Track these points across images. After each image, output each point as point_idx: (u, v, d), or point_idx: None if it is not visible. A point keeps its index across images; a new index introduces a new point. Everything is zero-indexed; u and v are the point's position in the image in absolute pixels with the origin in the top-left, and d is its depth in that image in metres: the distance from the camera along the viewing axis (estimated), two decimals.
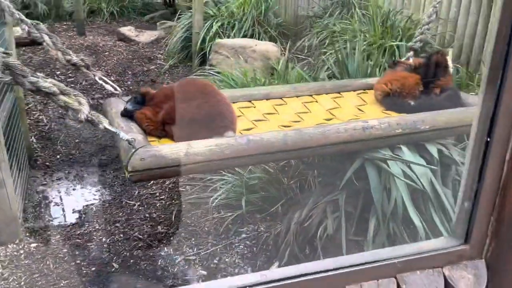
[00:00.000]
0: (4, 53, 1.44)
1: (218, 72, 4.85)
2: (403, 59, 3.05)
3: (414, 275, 1.08)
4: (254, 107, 2.49)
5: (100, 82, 2.23)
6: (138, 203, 3.61)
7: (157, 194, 3.69)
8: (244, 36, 5.77)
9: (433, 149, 2.20)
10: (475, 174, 1.07)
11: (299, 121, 2.38)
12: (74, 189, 3.89)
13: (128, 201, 3.67)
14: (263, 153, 1.86)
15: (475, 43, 4.36)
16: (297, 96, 2.66)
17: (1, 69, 1.44)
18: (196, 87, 1.94)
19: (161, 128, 1.93)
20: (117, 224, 3.34)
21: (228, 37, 5.74)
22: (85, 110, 1.50)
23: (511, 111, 0.99)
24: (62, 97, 1.47)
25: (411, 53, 3.03)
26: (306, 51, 5.94)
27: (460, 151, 2.27)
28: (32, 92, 1.46)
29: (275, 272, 1.02)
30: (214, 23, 5.82)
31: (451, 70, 2.64)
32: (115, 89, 2.28)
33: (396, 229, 2.12)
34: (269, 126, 2.25)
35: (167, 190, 3.71)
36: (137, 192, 3.81)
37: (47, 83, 1.44)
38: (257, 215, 3.11)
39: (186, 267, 2.80)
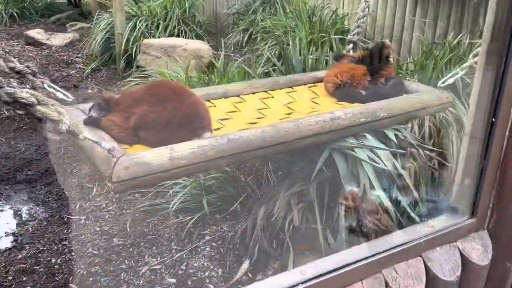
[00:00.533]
0: None
1: (146, 73, 4.70)
2: (344, 52, 3.20)
3: (435, 252, 1.16)
4: (215, 106, 2.45)
5: (50, 89, 2.04)
6: (84, 217, 3.38)
7: (104, 205, 3.48)
8: (170, 35, 5.64)
9: (390, 134, 2.35)
10: (479, 152, 1.17)
11: (262, 118, 2.39)
12: (1, 210, 3.54)
13: (71, 216, 3.42)
14: (244, 151, 1.84)
15: (393, 33, 4.70)
16: (253, 93, 2.67)
17: None
18: (168, 88, 1.86)
19: (133, 134, 1.82)
20: (64, 242, 3.10)
21: (153, 37, 5.57)
22: (66, 120, 1.37)
23: (511, 93, 1.10)
24: (40, 107, 1.33)
25: (351, 45, 3.19)
26: (233, 48, 5.97)
27: (412, 135, 2.45)
28: (7, 104, 1.31)
29: (314, 267, 1.03)
30: (137, 23, 5.60)
31: (391, 60, 2.83)
32: (67, 97, 2.10)
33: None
34: (236, 124, 2.24)
35: (114, 200, 3.52)
36: (78, 205, 3.57)
37: (25, 93, 1.29)
38: (217, 215, 3.07)
39: (153, 277, 2.69)
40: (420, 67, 3.52)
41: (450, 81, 2.48)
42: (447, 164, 2.89)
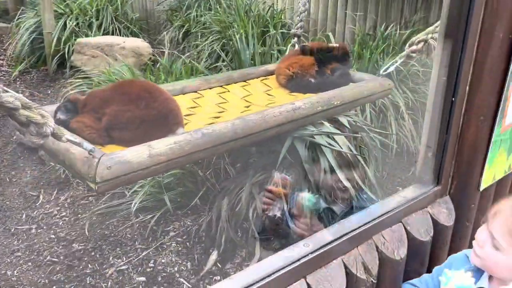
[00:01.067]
0: None
1: (83, 74, 4.54)
2: (290, 44, 3.35)
3: (412, 217, 1.33)
4: None
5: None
6: (35, 226, 3.24)
7: (55, 212, 3.36)
8: (105, 33, 5.48)
9: (343, 120, 2.54)
10: (439, 128, 1.35)
11: (223, 111, 2.47)
12: None
13: (19, 227, 3.27)
14: (217, 144, 1.91)
15: (327, 28, 4.96)
16: (210, 88, 2.73)
17: None
18: (139, 87, 1.87)
19: (105, 134, 1.81)
20: (18, 253, 2.97)
21: (86, 35, 5.37)
22: (50, 123, 1.35)
23: (467, 74, 1.28)
24: (23, 111, 1.31)
25: (296, 39, 3.34)
26: (169, 45, 5.92)
27: (363, 120, 2.66)
28: None
29: (315, 240, 1.14)
30: (67, 22, 5.37)
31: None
32: None
33: (327, 194, 2.40)
34: (200, 119, 2.29)
35: (66, 206, 3.41)
36: (25, 215, 3.41)
37: (10, 97, 1.26)
38: (178, 211, 3.10)
39: (121, 277, 2.67)
40: (358, 57, 3.78)
41: (391, 69, 2.72)
42: (390, 143, 3.16)
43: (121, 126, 1.79)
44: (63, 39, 5.20)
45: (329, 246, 1.12)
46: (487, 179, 1.44)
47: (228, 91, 2.76)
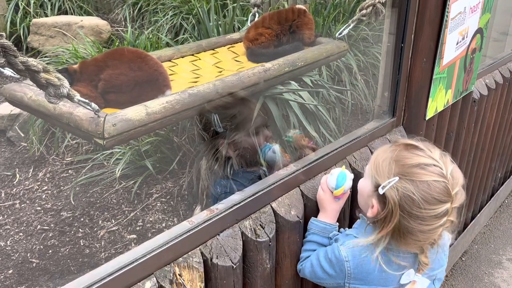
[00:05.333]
0: None
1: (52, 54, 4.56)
2: (251, 14, 3.58)
3: (375, 142, 1.65)
4: None
5: None
6: (18, 201, 3.36)
7: (36, 187, 3.48)
8: (59, 13, 5.45)
9: (307, 80, 2.84)
10: (392, 70, 1.67)
11: (198, 77, 2.70)
12: None
13: (1, 204, 3.37)
14: (202, 103, 2.15)
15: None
16: (182, 57, 2.94)
17: None
18: (131, 52, 2.05)
19: (101, 100, 2.00)
20: (7, 227, 3.10)
21: (40, 16, 5.33)
22: (66, 84, 1.54)
23: (412, 24, 1.60)
24: (43, 74, 1.49)
25: (256, 9, 3.57)
26: (124, 22, 5.97)
27: (322, 80, 2.98)
28: (19, 72, 1.44)
29: (307, 158, 1.44)
30: (19, 3, 5.29)
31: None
32: (15, 74, 2.18)
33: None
34: (180, 84, 2.51)
35: (46, 180, 3.53)
36: (3, 193, 3.50)
37: (34, 62, 1.44)
38: (158, 176, 3.32)
39: (112, 237, 2.88)
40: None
41: (345, 32, 3.03)
42: (346, 98, 3.52)
43: (117, 89, 1.99)
44: (18, 20, 5.14)
45: (315, 163, 1.43)
46: (431, 111, 1.79)
47: (199, 59, 2.98)
